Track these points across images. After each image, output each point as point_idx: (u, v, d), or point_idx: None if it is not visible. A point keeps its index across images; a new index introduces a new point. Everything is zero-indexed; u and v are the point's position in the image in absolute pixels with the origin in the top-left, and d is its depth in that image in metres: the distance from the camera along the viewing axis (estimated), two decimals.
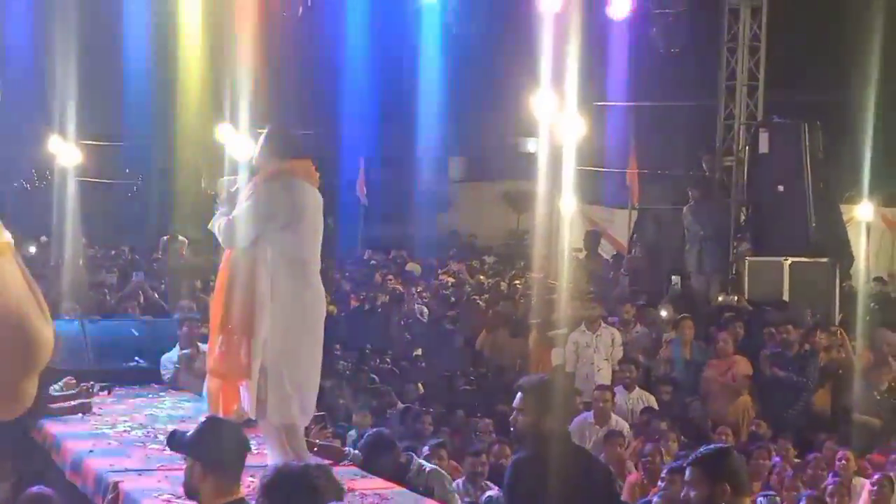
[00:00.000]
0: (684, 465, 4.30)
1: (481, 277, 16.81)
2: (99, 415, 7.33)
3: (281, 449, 5.36)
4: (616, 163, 18.10)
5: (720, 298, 13.55)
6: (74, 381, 7.63)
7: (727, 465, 4.03)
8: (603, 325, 11.10)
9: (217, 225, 5.53)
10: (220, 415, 5.26)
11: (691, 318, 11.28)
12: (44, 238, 16.62)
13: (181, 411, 7.46)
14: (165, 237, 17.30)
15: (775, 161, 13.87)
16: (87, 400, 7.46)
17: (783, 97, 15.41)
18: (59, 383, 7.53)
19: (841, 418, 10.10)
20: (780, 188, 13.78)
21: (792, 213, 13.60)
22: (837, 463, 8.29)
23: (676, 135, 17.49)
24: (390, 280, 15.41)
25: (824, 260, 13.17)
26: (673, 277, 13.90)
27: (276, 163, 5.55)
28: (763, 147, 13.95)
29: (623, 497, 7.45)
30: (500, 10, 16.91)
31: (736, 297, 13.30)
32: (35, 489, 5.49)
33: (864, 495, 7.88)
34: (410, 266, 17.09)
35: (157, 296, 12.66)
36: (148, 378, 8.52)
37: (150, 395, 8.12)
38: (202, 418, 4.83)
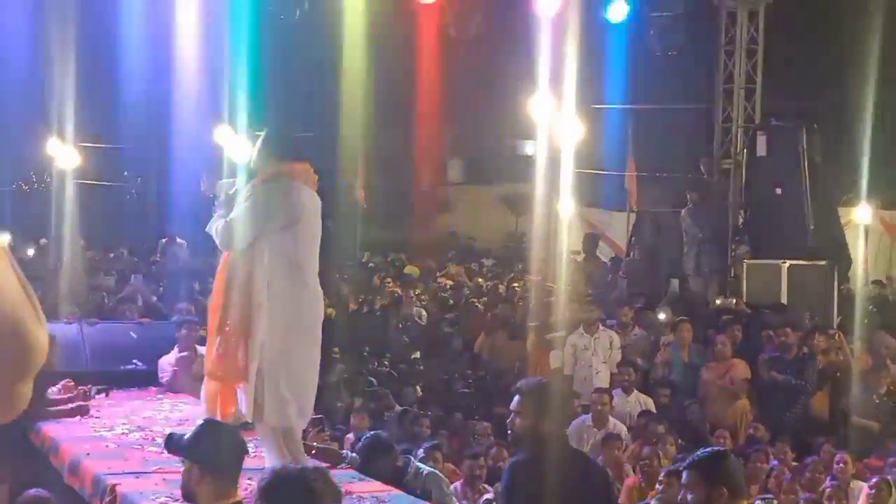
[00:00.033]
0: (681, 468, 4.29)
1: (480, 280, 16.82)
2: (97, 417, 7.32)
3: (278, 452, 5.35)
4: (614, 165, 18.10)
5: (718, 301, 13.55)
6: (73, 384, 7.62)
7: (724, 469, 4.03)
8: (601, 327, 11.10)
9: (214, 227, 5.52)
10: (218, 417, 5.26)
11: (689, 320, 11.29)
12: (43, 240, 16.61)
13: (179, 414, 7.45)
14: (164, 239, 17.32)
15: (773, 164, 13.88)
16: (85, 402, 7.46)
17: (781, 100, 15.42)
18: (58, 386, 7.53)
19: (839, 421, 10.10)
20: (778, 191, 13.78)
21: (790, 216, 13.60)
22: (835, 466, 8.29)
23: (674, 137, 17.47)
24: (389, 283, 15.41)
25: (822, 263, 13.16)
26: (671, 280, 13.91)
27: (274, 165, 5.54)
28: (761, 150, 13.96)
29: (620, 500, 7.46)
30: (498, 12, 16.92)
31: (734, 300, 13.31)
32: (32, 492, 5.49)
33: (862, 498, 7.89)
34: (409, 269, 17.09)
35: (155, 298, 12.66)
36: (146, 381, 8.51)
37: (148, 398, 8.11)
38: (200, 421, 4.83)
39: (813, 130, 13.85)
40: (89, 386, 7.69)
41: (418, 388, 10.97)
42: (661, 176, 17.42)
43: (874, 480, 7.91)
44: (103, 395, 7.87)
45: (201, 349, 7.35)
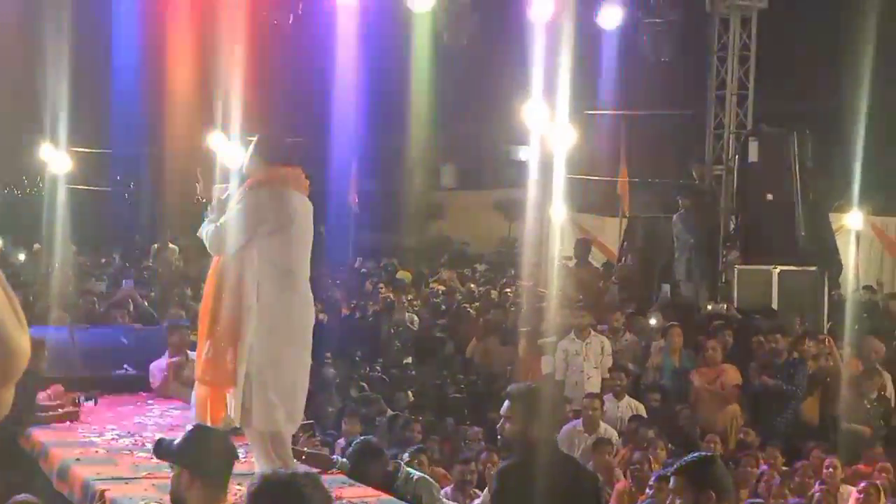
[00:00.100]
0: (669, 473, 4.30)
1: (472, 285, 16.83)
2: (87, 423, 7.31)
3: (267, 457, 5.35)
4: (606, 171, 18.15)
5: (709, 307, 13.57)
6: (63, 389, 7.60)
7: (712, 473, 4.04)
8: (592, 333, 11.12)
9: (205, 232, 5.53)
10: (208, 423, 5.26)
11: (680, 326, 11.31)
12: (36, 246, 16.58)
13: (169, 419, 7.44)
14: (156, 245, 17.32)
15: (765, 170, 13.90)
16: (75, 408, 7.44)
17: (773, 106, 15.46)
18: (47, 391, 7.51)
19: (829, 426, 10.12)
20: (770, 197, 13.81)
21: (781, 222, 13.62)
22: (825, 471, 8.31)
23: (666, 143, 17.54)
24: (381, 288, 15.41)
25: (813, 268, 13.19)
26: (662, 286, 13.93)
27: (266, 170, 5.55)
28: (752, 156, 13.98)
29: None
30: (492, 18, 16.94)
31: (725, 306, 13.33)
32: (21, 497, 5.46)
33: (851, 503, 7.90)
34: (401, 274, 17.10)
35: (146, 304, 12.64)
36: (136, 386, 8.49)
37: (139, 403, 8.09)
38: (189, 426, 4.83)
39: (804, 137, 13.89)
40: (78, 394, 7.66)
41: (410, 393, 10.97)
42: (653, 182, 17.48)
43: (863, 485, 7.92)
44: (91, 402, 7.85)
45: (192, 354, 7.33)
